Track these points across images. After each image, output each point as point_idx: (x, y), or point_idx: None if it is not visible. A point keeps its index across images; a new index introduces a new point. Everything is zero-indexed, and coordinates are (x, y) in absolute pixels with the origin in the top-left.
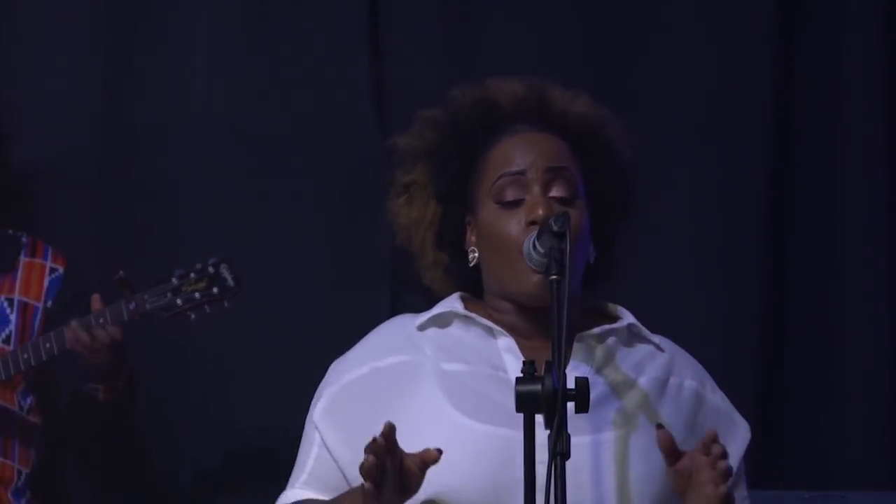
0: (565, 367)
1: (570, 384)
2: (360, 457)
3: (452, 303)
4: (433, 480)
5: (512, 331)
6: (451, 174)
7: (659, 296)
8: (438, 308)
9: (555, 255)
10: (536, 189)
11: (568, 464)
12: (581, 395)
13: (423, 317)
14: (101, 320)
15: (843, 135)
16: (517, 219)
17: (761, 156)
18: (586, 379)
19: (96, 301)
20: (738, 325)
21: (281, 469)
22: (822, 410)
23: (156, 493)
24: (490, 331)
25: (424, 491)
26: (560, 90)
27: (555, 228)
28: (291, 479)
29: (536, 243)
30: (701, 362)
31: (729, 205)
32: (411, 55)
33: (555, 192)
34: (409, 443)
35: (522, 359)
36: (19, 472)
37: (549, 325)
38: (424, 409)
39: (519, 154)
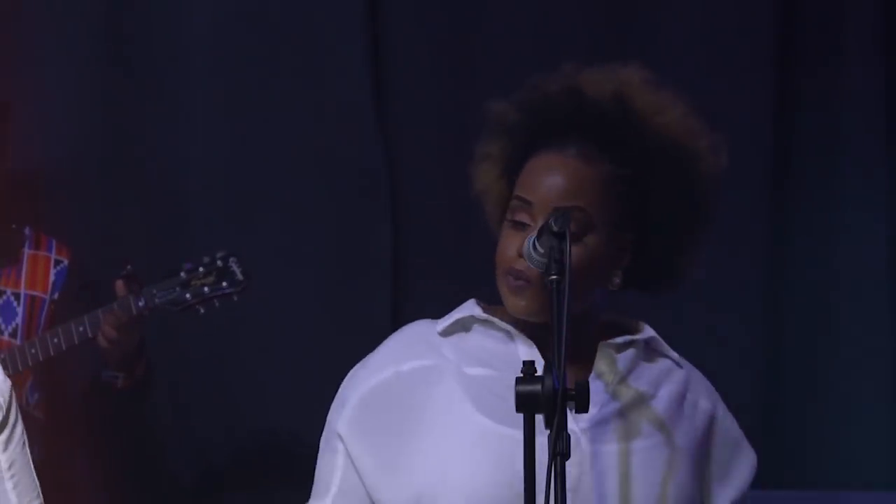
0: (587, 376)
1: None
2: (383, 463)
3: (472, 308)
4: (457, 483)
5: (532, 336)
6: (509, 163)
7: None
8: (457, 313)
9: (554, 254)
10: (542, 221)
11: (571, 474)
12: (581, 395)
13: (444, 322)
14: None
15: (843, 136)
16: (517, 242)
17: (761, 157)
18: (586, 381)
19: (120, 287)
20: (739, 325)
21: (284, 464)
22: (822, 410)
23: (160, 488)
24: (510, 335)
25: (448, 493)
26: (650, 97)
27: (554, 228)
28: (316, 493)
29: (536, 243)
30: (701, 361)
31: (729, 206)
32: (411, 55)
33: None
34: (433, 447)
35: (544, 363)
36: None
37: (550, 326)
38: (448, 413)
39: (538, 183)
